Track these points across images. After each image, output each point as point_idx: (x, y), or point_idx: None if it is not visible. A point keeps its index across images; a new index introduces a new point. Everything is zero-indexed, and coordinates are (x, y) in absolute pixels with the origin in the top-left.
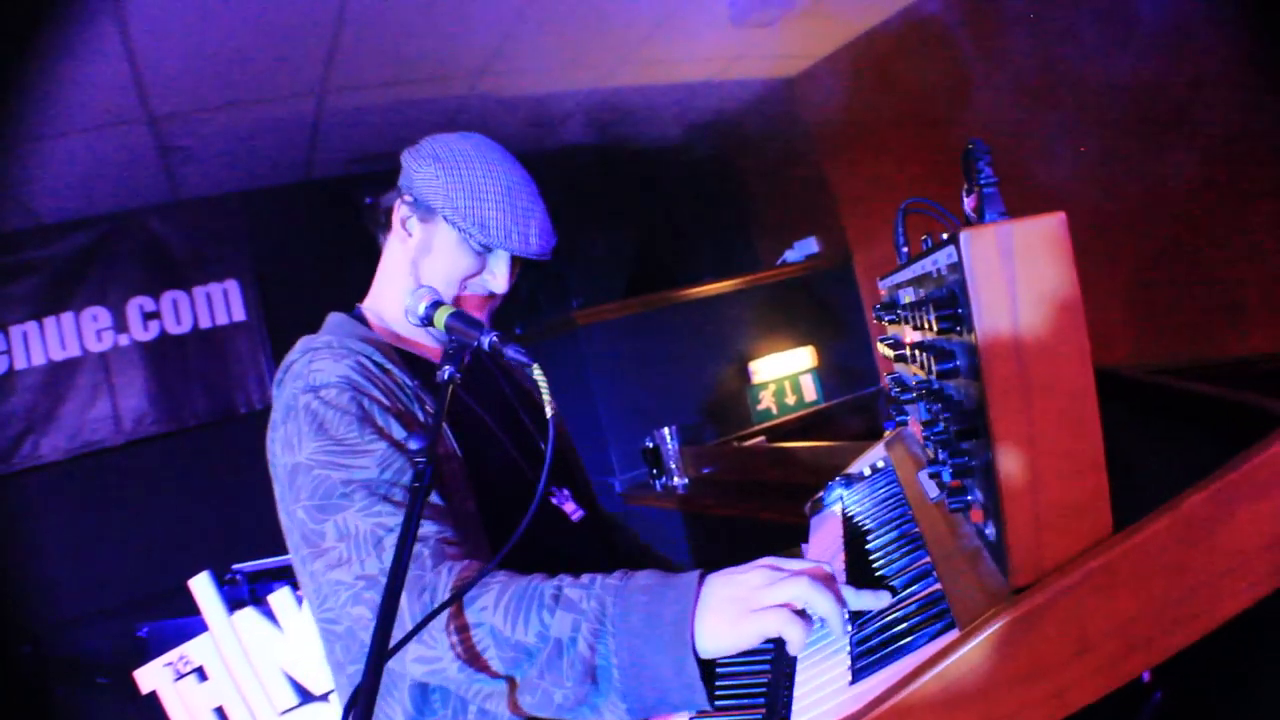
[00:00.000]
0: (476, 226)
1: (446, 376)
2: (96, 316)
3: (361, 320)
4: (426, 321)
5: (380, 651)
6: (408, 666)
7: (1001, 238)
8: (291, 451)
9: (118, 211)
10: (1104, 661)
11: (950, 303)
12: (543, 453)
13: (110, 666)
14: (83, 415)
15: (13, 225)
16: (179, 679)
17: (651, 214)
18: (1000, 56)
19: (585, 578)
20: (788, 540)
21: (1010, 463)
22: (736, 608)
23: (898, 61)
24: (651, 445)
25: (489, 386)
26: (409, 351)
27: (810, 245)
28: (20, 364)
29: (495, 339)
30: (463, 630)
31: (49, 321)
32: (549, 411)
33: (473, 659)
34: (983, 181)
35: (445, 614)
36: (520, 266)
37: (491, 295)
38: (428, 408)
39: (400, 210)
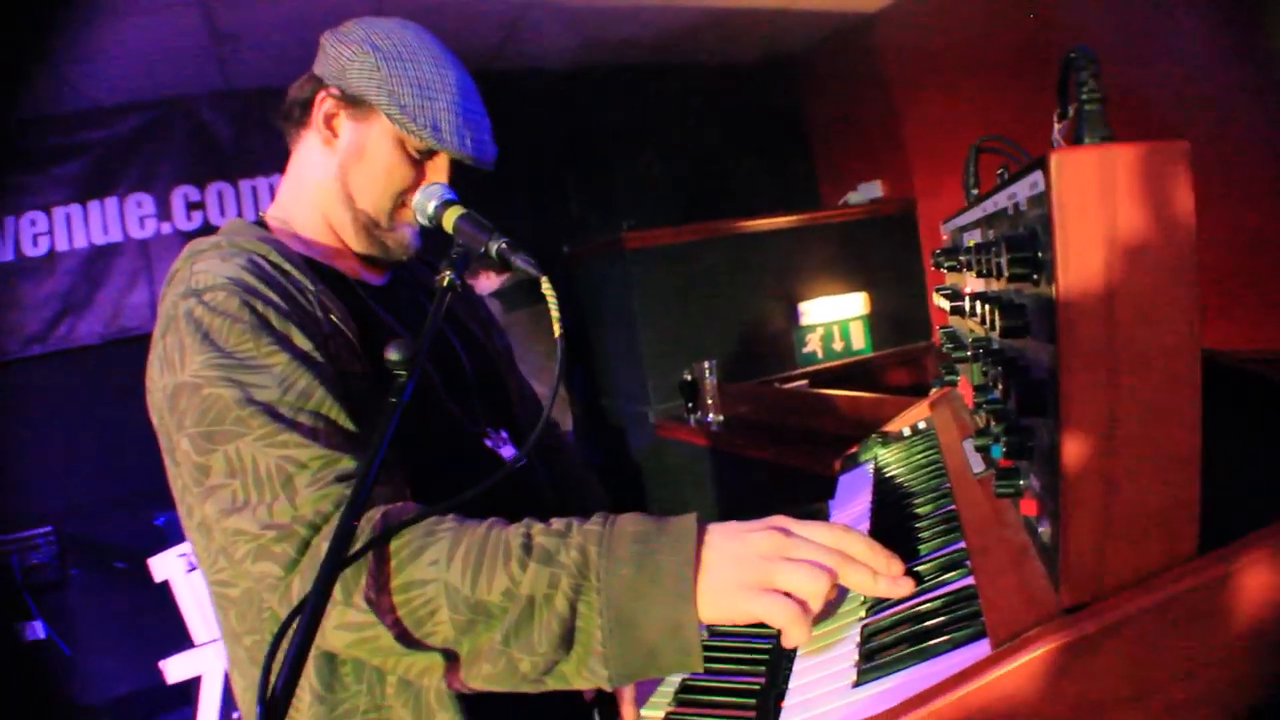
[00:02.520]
0: (427, 128)
1: (447, 281)
2: (141, 203)
3: (262, 225)
4: (435, 221)
5: (309, 631)
6: (326, 637)
7: (1104, 164)
8: (171, 370)
9: (168, 97)
10: (1165, 711)
11: (1028, 244)
12: (472, 391)
13: (127, 552)
14: (120, 301)
15: (61, 107)
16: (191, 570)
17: (713, 141)
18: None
19: (559, 523)
20: (816, 492)
21: (1081, 451)
22: (737, 576)
23: (988, 5)
24: (689, 378)
25: (418, 310)
26: (315, 259)
27: (874, 189)
28: (62, 246)
29: (505, 245)
30: (405, 589)
31: (93, 205)
32: (557, 331)
33: (416, 624)
34: (1085, 96)
35: (377, 571)
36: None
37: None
38: (334, 316)
39: (324, 104)
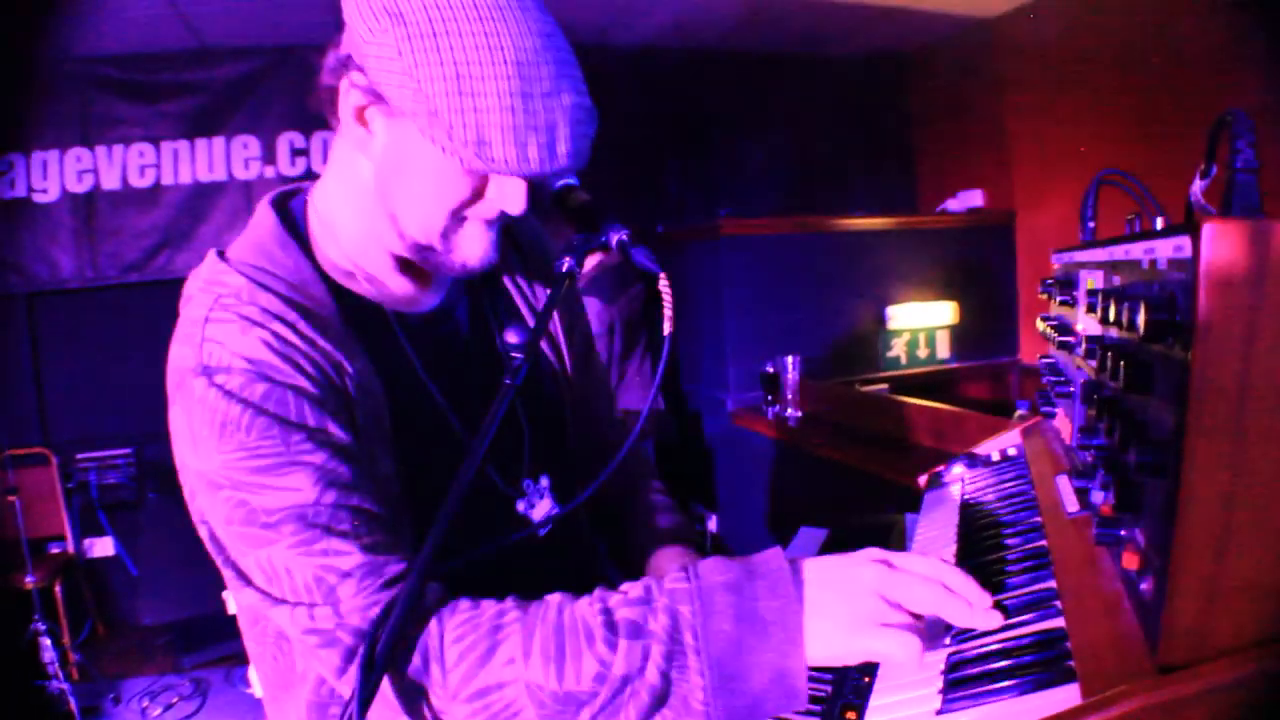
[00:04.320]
0: (470, 146)
1: (566, 268)
2: (247, 145)
3: (299, 234)
4: (557, 201)
5: None
6: None
7: (1255, 240)
8: (193, 452)
9: (281, 45)
10: None
11: (1167, 306)
12: (522, 434)
13: None
14: (219, 237)
15: (176, 44)
16: None
17: (815, 135)
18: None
19: (636, 589)
20: (890, 500)
21: (1200, 518)
22: (850, 613)
23: (1108, 24)
24: (771, 370)
25: (461, 339)
26: (353, 292)
27: (974, 198)
28: (168, 180)
29: (625, 237)
30: (481, 695)
31: (200, 143)
32: (667, 329)
33: None
34: (1240, 165)
35: (444, 680)
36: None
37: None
38: (350, 369)
39: (350, 95)
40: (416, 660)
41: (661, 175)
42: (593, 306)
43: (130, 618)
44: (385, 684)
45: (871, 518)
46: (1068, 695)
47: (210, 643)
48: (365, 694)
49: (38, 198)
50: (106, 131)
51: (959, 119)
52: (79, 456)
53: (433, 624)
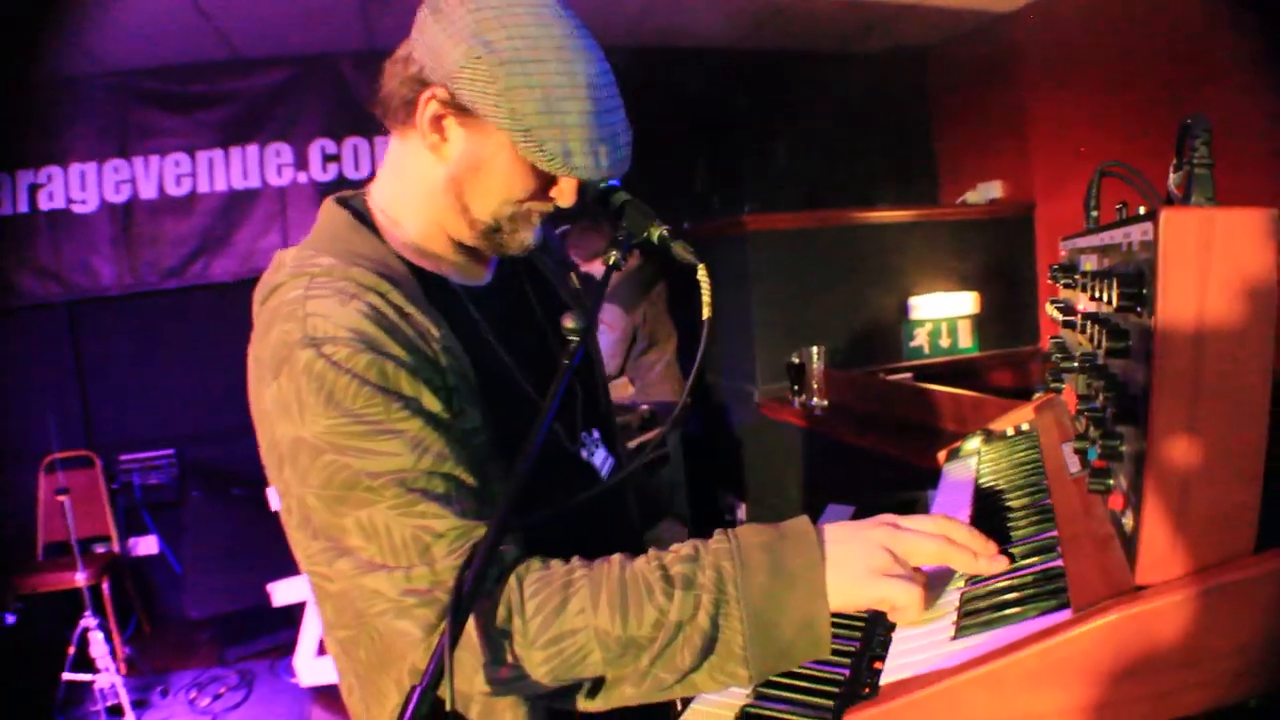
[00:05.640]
0: (558, 157)
1: (612, 261)
2: (280, 152)
3: (367, 222)
4: (602, 200)
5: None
6: (473, 685)
7: (1202, 224)
8: (292, 420)
9: (312, 54)
10: (1211, 679)
11: (1136, 280)
12: (575, 397)
13: (246, 480)
14: (254, 243)
15: (211, 55)
16: None
17: (837, 129)
18: (1242, 27)
19: (686, 548)
20: (913, 482)
21: (1164, 457)
22: (863, 564)
23: (1124, 18)
24: (797, 361)
25: (518, 307)
26: (424, 270)
27: (994, 190)
28: (203, 188)
29: (666, 231)
30: (556, 641)
31: (234, 151)
32: (706, 314)
33: (567, 669)
34: (1195, 161)
35: (524, 629)
36: None
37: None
38: (454, 355)
39: (429, 106)
40: (500, 613)
41: (688, 173)
42: (612, 311)
43: (174, 613)
44: (474, 636)
45: (896, 495)
46: (1063, 617)
47: (253, 636)
48: (455, 633)
49: (77, 209)
50: (143, 142)
51: (979, 112)
52: (122, 458)
53: (512, 581)
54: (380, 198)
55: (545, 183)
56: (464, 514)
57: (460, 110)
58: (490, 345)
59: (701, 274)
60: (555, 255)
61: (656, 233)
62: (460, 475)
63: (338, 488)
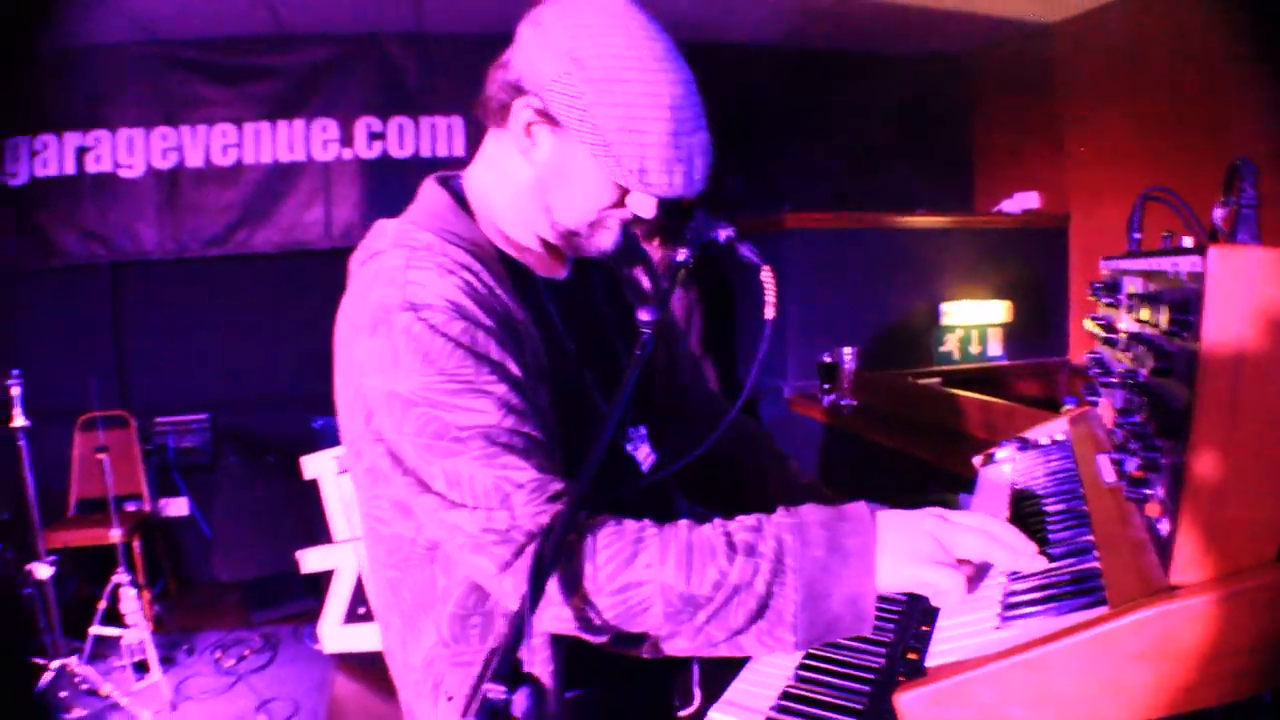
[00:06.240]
0: (634, 173)
1: (682, 258)
2: (326, 128)
3: (465, 207)
4: (672, 205)
5: (519, 628)
6: (543, 622)
7: (1249, 264)
8: (389, 376)
9: (361, 32)
10: (1235, 672)
11: (1183, 308)
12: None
13: (279, 446)
14: (297, 216)
15: (260, 29)
16: (342, 473)
17: (875, 132)
18: None
19: (750, 519)
20: (941, 485)
21: (1202, 469)
22: (912, 549)
23: (1170, 32)
24: (829, 360)
25: (590, 305)
26: (511, 257)
27: (1030, 200)
28: (249, 159)
29: (733, 234)
30: (623, 590)
31: (281, 125)
32: (769, 313)
33: (630, 618)
34: (1243, 202)
35: (595, 575)
36: None
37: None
38: (519, 316)
39: (523, 113)
40: (575, 559)
41: (724, 171)
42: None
43: (201, 574)
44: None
45: (927, 498)
46: (1100, 612)
47: (279, 601)
48: (537, 584)
49: (123, 173)
50: (191, 112)
51: (1017, 122)
52: (157, 420)
53: (587, 534)
54: (476, 185)
55: (624, 194)
56: (540, 468)
57: (549, 120)
58: (560, 336)
59: (765, 275)
60: (630, 255)
61: (724, 234)
62: (537, 436)
63: (429, 436)
